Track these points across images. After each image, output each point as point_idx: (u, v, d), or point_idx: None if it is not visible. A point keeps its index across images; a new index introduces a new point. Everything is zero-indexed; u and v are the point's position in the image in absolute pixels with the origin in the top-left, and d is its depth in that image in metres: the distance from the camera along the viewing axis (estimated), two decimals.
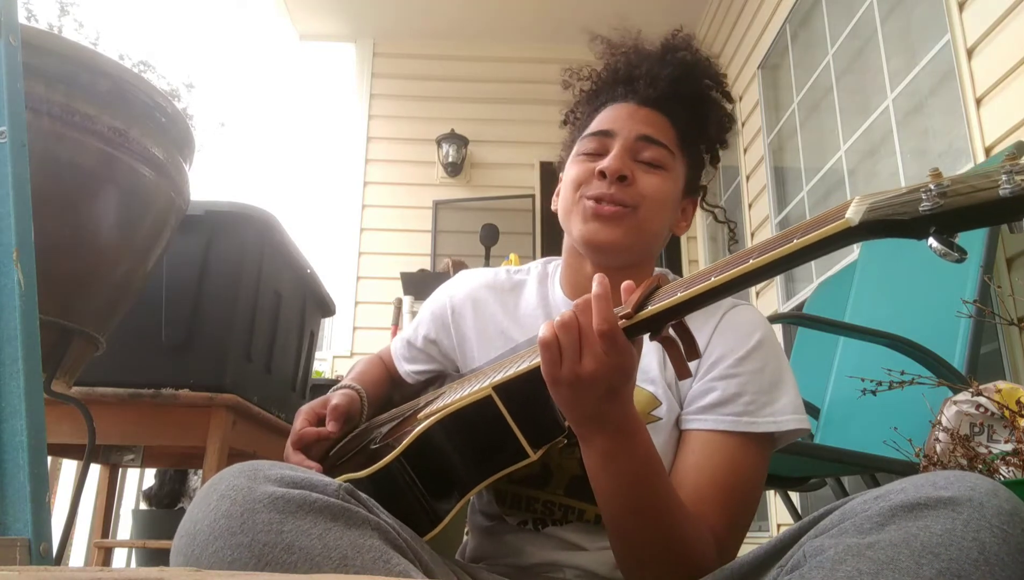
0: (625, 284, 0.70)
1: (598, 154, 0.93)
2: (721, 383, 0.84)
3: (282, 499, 0.64)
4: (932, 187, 0.49)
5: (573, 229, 0.93)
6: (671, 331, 0.68)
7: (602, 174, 0.89)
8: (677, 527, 0.74)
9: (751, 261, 0.59)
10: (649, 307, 0.66)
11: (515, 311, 1.01)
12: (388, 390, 1.11)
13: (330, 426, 0.92)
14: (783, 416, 0.83)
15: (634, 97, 0.95)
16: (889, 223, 0.51)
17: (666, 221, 0.95)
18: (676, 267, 4.24)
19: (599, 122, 0.96)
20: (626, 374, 0.69)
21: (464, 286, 1.05)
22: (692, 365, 0.85)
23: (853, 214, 0.53)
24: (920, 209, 0.49)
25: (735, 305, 0.91)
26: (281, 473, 0.67)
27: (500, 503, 0.95)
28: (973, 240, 1.54)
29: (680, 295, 0.64)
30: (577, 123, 1.03)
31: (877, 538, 0.58)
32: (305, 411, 0.95)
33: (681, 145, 0.95)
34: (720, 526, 0.79)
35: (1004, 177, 0.46)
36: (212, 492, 0.66)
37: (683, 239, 4.42)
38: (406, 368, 1.10)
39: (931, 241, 0.51)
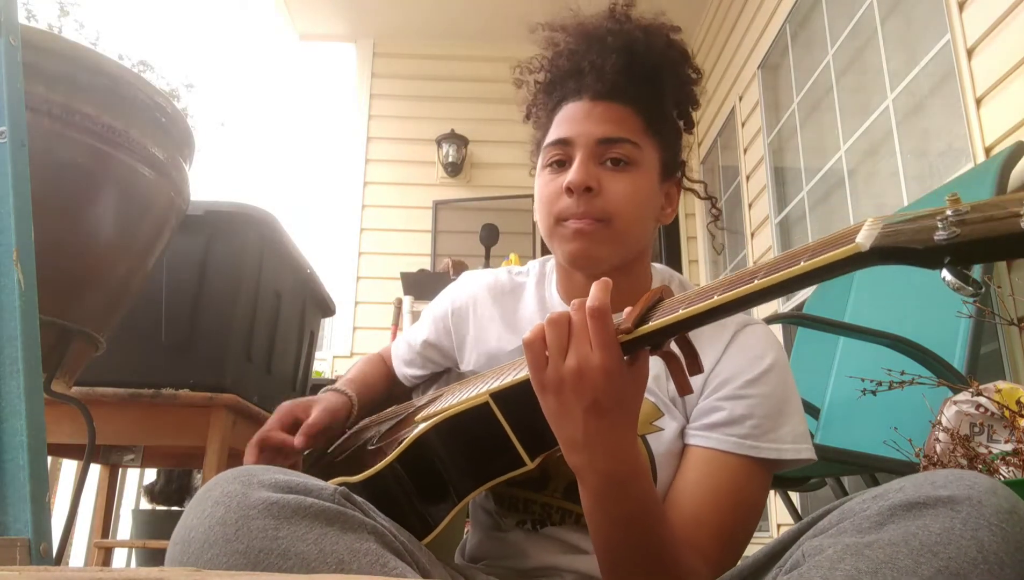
0: (626, 310, 0.68)
1: (562, 163, 0.90)
2: (729, 403, 0.83)
3: (276, 504, 0.64)
4: (949, 213, 0.47)
5: (555, 250, 0.92)
6: (673, 345, 0.67)
7: (569, 189, 0.86)
8: (671, 564, 0.73)
9: (756, 282, 0.58)
10: (650, 322, 0.65)
11: (514, 314, 1.00)
12: (387, 389, 1.11)
13: (298, 440, 0.90)
14: (786, 444, 0.82)
15: (586, 93, 0.89)
16: (901, 250, 0.49)
17: (647, 219, 0.91)
18: (676, 267, 4.23)
19: (557, 127, 0.91)
20: (614, 386, 0.65)
21: (465, 289, 1.05)
22: (698, 380, 0.84)
23: (864, 238, 0.50)
24: (935, 238, 0.47)
25: (747, 324, 0.89)
26: (275, 478, 0.67)
27: (498, 504, 0.94)
28: None
29: (681, 312, 0.62)
30: (539, 122, 0.97)
31: (876, 537, 0.58)
32: (283, 411, 0.94)
33: (648, 130, 0.89)
34: (714, 548, 0.78)
35: None
36: (206, 499, 0.66)
37: (683, 239, 4.41)
38: (404, 371, 1.10)
39: (944, 273, 0.48)
